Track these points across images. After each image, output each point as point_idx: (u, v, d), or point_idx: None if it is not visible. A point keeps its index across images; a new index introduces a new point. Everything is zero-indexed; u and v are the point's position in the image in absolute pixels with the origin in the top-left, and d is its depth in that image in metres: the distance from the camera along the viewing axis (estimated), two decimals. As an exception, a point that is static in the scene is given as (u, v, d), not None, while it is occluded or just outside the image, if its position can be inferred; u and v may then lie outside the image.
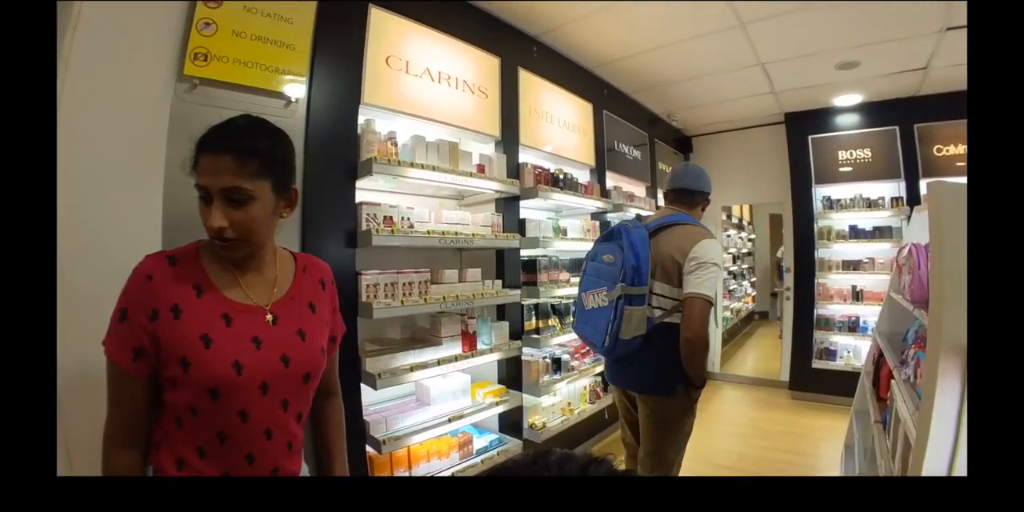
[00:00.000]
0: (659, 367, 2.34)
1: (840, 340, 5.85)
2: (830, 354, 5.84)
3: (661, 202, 5.91)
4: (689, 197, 2.65)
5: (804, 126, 6.02)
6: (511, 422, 3.41)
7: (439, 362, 2.76)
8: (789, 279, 6.18)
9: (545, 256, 3.61)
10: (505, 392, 3.25)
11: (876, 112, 5.73)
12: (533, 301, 3.53)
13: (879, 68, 4.78)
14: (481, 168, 3.18)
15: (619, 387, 2.64)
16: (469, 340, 3.00)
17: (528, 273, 3.51)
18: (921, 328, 2.64)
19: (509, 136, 3.55)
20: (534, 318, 3.54)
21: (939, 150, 5.51)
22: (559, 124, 4.13)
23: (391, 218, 2.67)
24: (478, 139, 3.42)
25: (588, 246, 2.82)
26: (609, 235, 2.53)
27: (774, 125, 6.38)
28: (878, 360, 3.27)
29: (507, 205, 3.42)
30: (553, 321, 3.64)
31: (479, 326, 3.08)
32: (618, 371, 2.55)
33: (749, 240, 10.32)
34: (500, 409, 3.17)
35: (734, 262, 8.53)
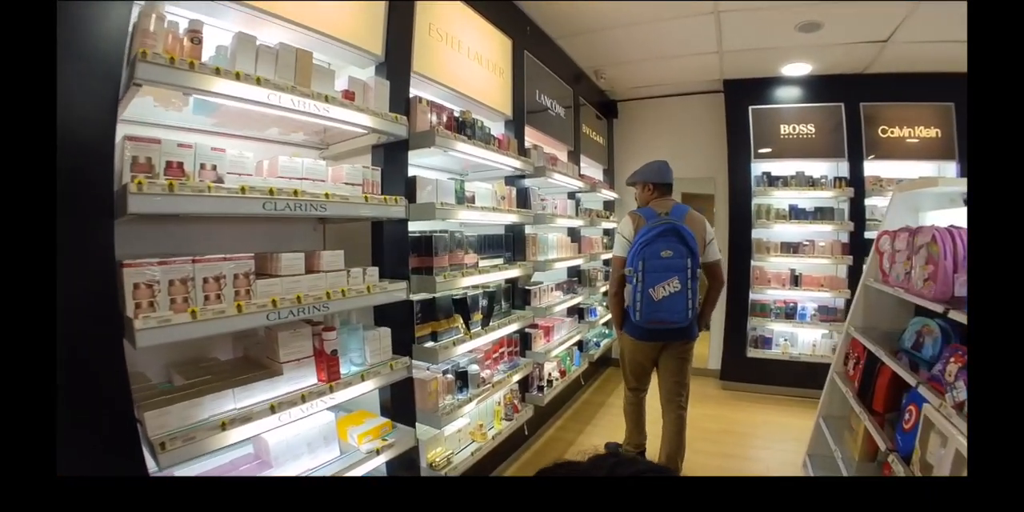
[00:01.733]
0: (695, 319, 3.08)
1: (777, 327, 5.32)
2: (765, 342, 5.30)
3: (586, 171, 5.13)
4: (670, 189, 3.33)
5: (744, 95, 5.35)
6: (404, 463, 2.35)
7: (273, 408, 1.66)
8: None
9: (445, 232, 2.54)
10: (390, 429, 2.21)
11: (823, 86, 5.23)
12: (426, 296, 2.47)
13: (840, 35, 4.29)
14: (350, 95, 2.03)
15: (660, 342, 3.15)
16: (327, 363, 1.89)
17: (420, 255, 2.42)
18: (926, 330, 2.45)
19: (398, 57, 2.41)
20: (430, 319, 2.50)
21: (884, 131, 5.21)
22: (470, 56, 3.04)
23: (181, 165, 1.56)
24: (350, 58, 2.28)
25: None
26: (662, 233, 2.94)
27: (710, 94, 5.70)
28: (868, 364, 2.85)
29: (390, 156, 2.31)
30: (456, 321, 2.60)
31: (344, 340, 1.99)
32: (668, 330, 3.05)
33: None
34: (384, 458, 2.11)
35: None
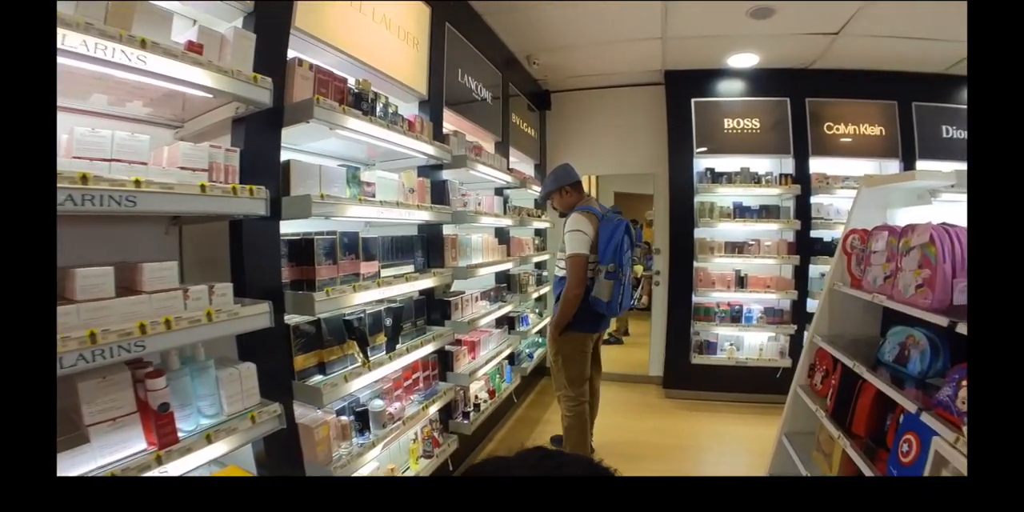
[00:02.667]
0: None
1: (722, 331, 5.07)
2: (710, 347, 5.05)
3: (516, 166, 4.70)
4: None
5: (687, 87, 5.07)
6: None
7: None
8: (660, 262, 5.29)
9: (332, 234, 1.95)
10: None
11: (769, 80, 5.04)
12: (304, 319, 1.91)
13: (792, 24, 4.07)
14: (196, 48, 1.45)
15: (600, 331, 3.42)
16: (156, 422, 1.32)
17: (299, 265, 1.86)
18: (912, 341, 2.28)
19: (274, 7, 1.83)
20: (315, 347, 1.94)
21: (830, 128, 5.09)
22: (376, 18, 2.47)
23: None
24: (208, 6, 1.71)
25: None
26: (624, 228, 3.14)
27: (650, 86, 5.40)
28: (844, 381, 2.54)
29: (254, 133, 1.72)
30: (351, 348, 2.04)
31: (186, 386, 1.44)
32: (607, 321, 3.42)
33: None
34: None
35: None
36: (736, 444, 4.02)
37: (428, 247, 2.84)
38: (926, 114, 5.07)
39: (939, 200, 2.99)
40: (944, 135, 5.10)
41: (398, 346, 2.32)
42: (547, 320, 5.06)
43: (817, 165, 5.01)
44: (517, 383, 4.27)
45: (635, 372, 5.65)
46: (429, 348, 2.55)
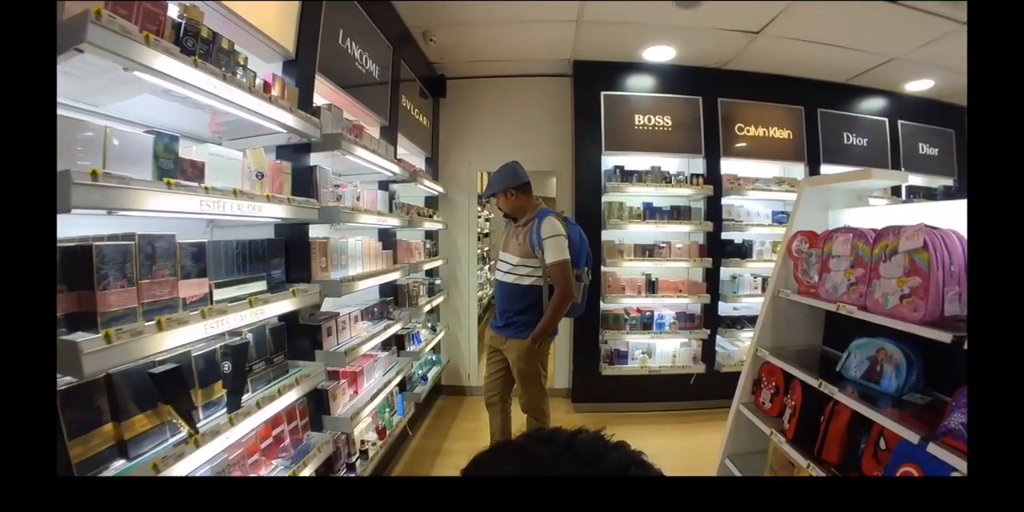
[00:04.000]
0: None
1: (633, 339, 4.80)
2: (621, 356, 4.76)
3: (405, 157, 4.02)
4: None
5: (597, 79, 4.76)
6: None
7: None
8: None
9: (127, 238, 1.24)
10: None
11: (682, 77, 4.90)
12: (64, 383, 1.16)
13: (717, 17, 3.94)
14: None
15: None
16: None
17: (71, 288, 1.14)
18: (883, 354, 2.10)
19: None
20: (99, 421, 1.22)
21: (740, 129, 5.06)
22: None
23: None
24: None
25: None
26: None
27: (557, 78, 5.04)
28: (808, 403, 2.35)
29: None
30: (167, 415, 1.33)
31: None
32: None
33: (487, 220, 8.75)
34: None
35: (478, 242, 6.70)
36: (663, 460, 3.65)
37: (289, 255, 2.13)
38: (830, 120, 5.26)
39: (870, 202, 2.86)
40: (845, 141, 5.33)
41: (246, 398, 1.63)
42: (440, 336, 4.57)
43: (728, 166, 4.91)
44: (412, 413, 3.67)
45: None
46: (293, 394, 1.88)
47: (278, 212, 1.83)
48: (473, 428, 4.36)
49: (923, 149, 5.82)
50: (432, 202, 4.86)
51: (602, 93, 4.73)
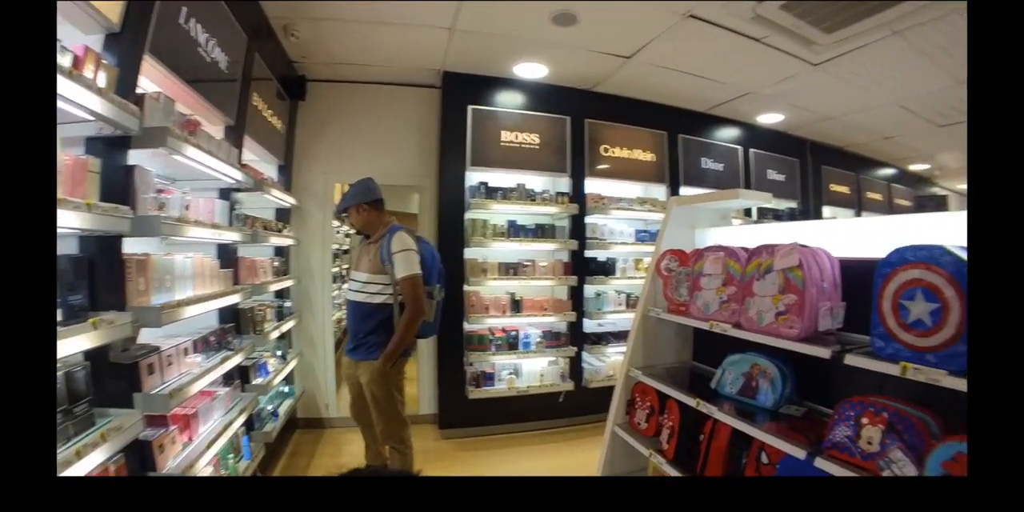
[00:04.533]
0: None
1: (499, 360, 4.83)
2: (488, 378, 4.79)
3: (254, 164, 3.84)
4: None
5: (466, 92, 4.80)
6: None
7: None
8: (440, 290, 4.77)
9: None
10: None
11: (552, 96, 5.08)
12: None
13: (591, 38, 4.13)
14: None
15: None
16: None
17: None
18: (758, 370, 2.24)
19: None
20: None
21: (606, 150, 5.37)
22: None
23: None
24: None
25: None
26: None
27: (424, 88, 5.02)
28: (686, 423, 2.45)
29: None
30: None
31: None
32: None
33: (346, 235, 8.58)
34: None
35: (334, 260, 6.47)
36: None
37: (95, 275, 1.88)
38: (690, 146, 5.81)
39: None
40: (703, 165, 5.93)
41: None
42: (292, 364, 4.30)
43: (592, 185, 5.18)
44: (262, 455, 3.36)
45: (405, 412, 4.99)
46: (100, 454, 1.66)
47: (72, 221, 1.57)
48: (336, 464, 4.08)
49: (771, 175, 6.60)
50: (284, 215, 4.53)
51: (470, 107, 4.78)
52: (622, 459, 2.89)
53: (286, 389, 4.37)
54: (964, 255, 1.41)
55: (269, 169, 4.38)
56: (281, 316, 4.12)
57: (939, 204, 10.20)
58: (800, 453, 1.73)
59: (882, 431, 1.53)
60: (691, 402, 2.30)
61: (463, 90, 4.79)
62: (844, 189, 7.90)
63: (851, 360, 1.64)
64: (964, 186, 10.98)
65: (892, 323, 1.53)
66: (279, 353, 4.20)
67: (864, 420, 1.58)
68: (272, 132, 4.22)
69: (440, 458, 4.25)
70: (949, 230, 1.57)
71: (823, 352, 1.73)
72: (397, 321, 3.04)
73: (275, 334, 3.78)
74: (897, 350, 1.51)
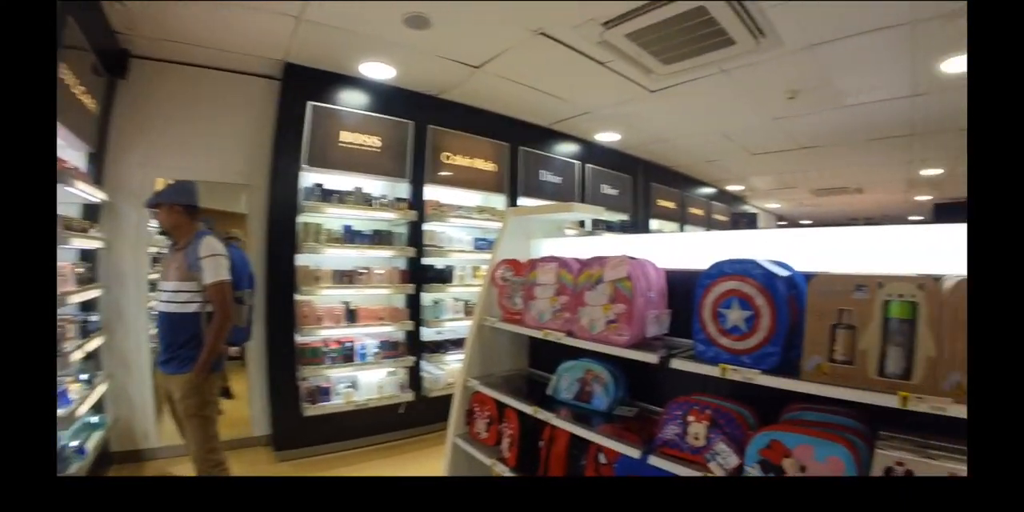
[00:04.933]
0: None
1: (335, 373, 4.64)
2: (324, 393, 4.56)
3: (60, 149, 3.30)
4: None
5: (307, 87, 4.53)
6: None
7: None
8: (256, 296, 4.15)
9: None
10: None
11: (397, 99, 4.99)
12: None
13: (442, 44, 4.12)
14: None
15: None
16: None
17: None
18: (591, 376, 2.39)
19: None
20: None
21: (448, 158, 5.41)
22: None
23: None
24: None
25: None
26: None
27: (263, 78, 4.64)
28: (525, 430, 2.53)
29: None
30: None
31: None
32: None
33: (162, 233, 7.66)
34: None
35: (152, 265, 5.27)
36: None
37: None
38: (530, 158, 6.07)
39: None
40: (542, 178, 6.22)
41: None
42: (101, 389, 3.72)
43: (431, 192, 5.19)
44: None
45: (235, 435, 4.52)
46: None
47: None
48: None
49: (605, 189, 7.13)
50: (92, 213, 3.90)
51: (310, 103, 4.52)
52: (466, 470, 2.91)
53: (95, 419, 3.77)
54: (773, 268, 1.62)
55: (76, 157, 3.73)
56: (86, 333, 3.54)
57: (751, 220, 11.82)
58: (635, 452, 1.87)
59: (707, 426, 1.70)
60: (529, 410, 2.39)
61: (304, 84, 4.52)
62: (670, 204, 8.85)
63: (676, 364, 1.81)
64: (772, 205, 12.73)
65: (712, 329, 1.72)
66: (84, 377, 3.56)
67: (690, 418, 1.75)
68: (82, 112, 3.54)
69: (276, 483, 3.93)
70: (759, 245, 1.81)
71: (651, 358, 1.89)
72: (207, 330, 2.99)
73: (78, 355, 3.24)
74: (717, 353, 1.70)
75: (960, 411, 1.26)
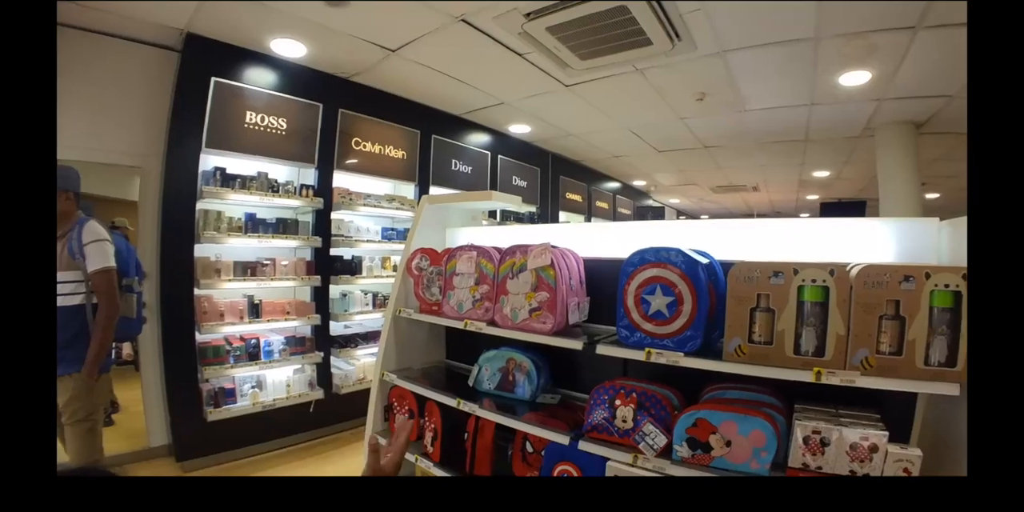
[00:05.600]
0: None
1: (239, 373, 4.35)
2: (228, 395, 4.30)
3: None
4: None
5: (210, 61, 4.18)
6: None
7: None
8: (149, 290, 4.00)
9: None
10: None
11: (307, 79, 4.76)
12: None
13: (359, 24, 3.94)
14: None
15: None
16: None
17: None
18: (514, 364, 2.42)
19: None
20: None
21: (358, 144, 5.26)
22: None
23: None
24: None
25: None
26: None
27: (161, 49, 4.18)
28: (449, 425, 2.53)
29: None
30: None
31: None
32: None
33: None
34: None
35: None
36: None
37: None
38: (442, 147, 6.04)
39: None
40: (453, 167, 6.21)
41: None
42: None
43: (340, 180, 5.02)
44: None
45: (131, 448, 4.18)
46: None
47: None
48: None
49: (516, 181, 7.20)
50: None
51: (213, 79, 4.17)
52: (387, 469, 2.86)
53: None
54: (694, 255, 1.70)
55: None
56: None
57: (657, 214, 12.36)
58: (563, 439, 1.92)
59: (633, 409, 1.78)
60: (452, 402, 2.39)
61: (208, 59, 4.17)
62: (578, 197, 9.07)
63: (602, 350, 1.87)
64: (674, 200, 13.34)
65: (636, 315, 1.79)
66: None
67: (617, 402, 1.82)
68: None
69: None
70: (670, 235, 1.91)
71: (576, 344, 1.95)
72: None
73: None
74: (641, 338, 1.77)
75: (868, 382, 1.41)
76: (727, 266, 1.67)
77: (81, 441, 2.77)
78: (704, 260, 1.74)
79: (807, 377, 1.47)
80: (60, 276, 2.76)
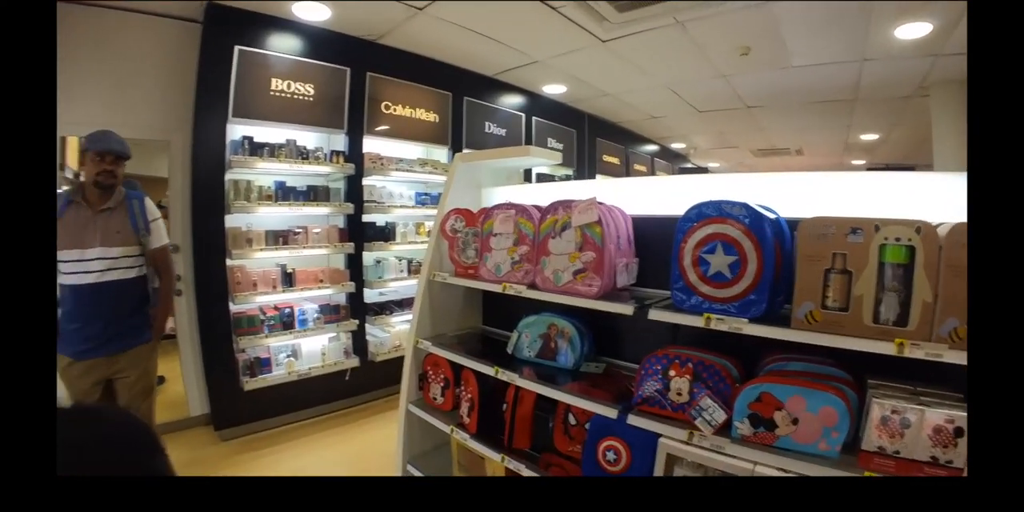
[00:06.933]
0: None
1: (274, 342, 4.37)
2: (263, 364, 4.31)
3: None
4: None
5: (233, 30, 4.05)
6: None
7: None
8: (180, 263, 4.06)
9: None
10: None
11: (333, 43, 4.62)
12: None
13: None
14: None
15: None
16: None
17: None
18: (556, 331, 2.26)
19: None
20: None
21: (387, 107, 5.10)
22: None
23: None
24: None
25: None
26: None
27: (184, 22, 4.09)
28: (486, 392, 2.40)
29: None
30: None
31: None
32: None
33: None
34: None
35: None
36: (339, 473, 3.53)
37: None
38: (474, 109, 5.86)
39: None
40: (486, 130, 6.04)
41: None
42: None
43: (370, 145, 4.89)
44: None
45: (172, 417, 4.27)
46: None
47: None
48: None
49: (551, 143, 6.97)
50: None
51: (237, 48, 4.05)
52: (422, 438, 2.83)
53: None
54: (760, 209, 1.53)
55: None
56: None
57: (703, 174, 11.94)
58: (611, 412, 1.79)
59: (690, 381, 1.64)
60: (489, 370, 2.27)
61: (230, 28, 4.05)
62: (615, 160, 8.78)
63: (655, 315, 1.71)
64: (713, 164, 12.91)
65: (693, 277, 1.63)
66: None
67: (672, 372, 1.68)
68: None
69: (219, 466, 3.71)
70: (724, 190, 1.71)
71: (626, 309, 1.78)
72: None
73: None
74: (698, 302, 1.62)
75: (956, 357, 1.24)
76: (792, 224, 1.50)
77: (148, 406, 3.00)
78: (771, 215, 1.57)
79: (888, 349, 1.30)
80: (121, 251, 2.82)
